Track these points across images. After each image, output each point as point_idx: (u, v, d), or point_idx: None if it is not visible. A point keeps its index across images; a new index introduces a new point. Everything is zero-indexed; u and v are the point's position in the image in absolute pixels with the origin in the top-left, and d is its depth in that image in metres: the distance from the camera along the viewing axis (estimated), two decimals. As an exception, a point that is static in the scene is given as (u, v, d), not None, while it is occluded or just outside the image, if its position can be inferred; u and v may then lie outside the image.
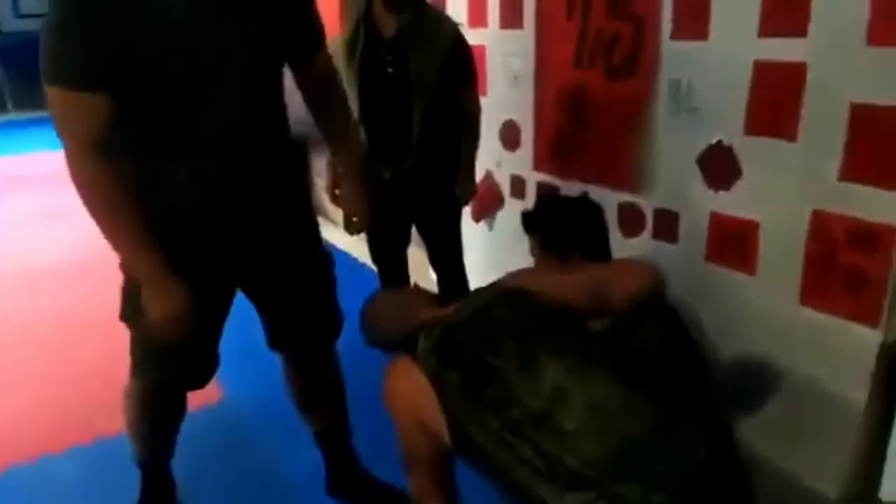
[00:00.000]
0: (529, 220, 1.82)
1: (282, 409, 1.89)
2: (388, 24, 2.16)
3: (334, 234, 3.97)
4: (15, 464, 2.12)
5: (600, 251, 1.80)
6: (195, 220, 1.41)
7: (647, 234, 2.14)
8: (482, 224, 2.87)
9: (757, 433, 1.88)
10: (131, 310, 1.45)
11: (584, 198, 1.92)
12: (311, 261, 1.65)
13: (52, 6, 1.21)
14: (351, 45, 2.21)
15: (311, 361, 1.76)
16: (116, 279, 1.50)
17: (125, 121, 1.29)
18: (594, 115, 2.23)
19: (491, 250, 2.85)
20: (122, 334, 1.56)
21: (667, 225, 2.07)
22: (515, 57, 2.48)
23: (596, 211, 1.85)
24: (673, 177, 2.04)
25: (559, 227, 1.75)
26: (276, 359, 1.79)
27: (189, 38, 1.26)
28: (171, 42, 1.25)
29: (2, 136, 8.75)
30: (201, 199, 1.39)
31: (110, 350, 1.80)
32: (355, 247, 3.57)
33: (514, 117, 2.57)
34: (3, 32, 10.79)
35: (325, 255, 1.69)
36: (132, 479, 1.80)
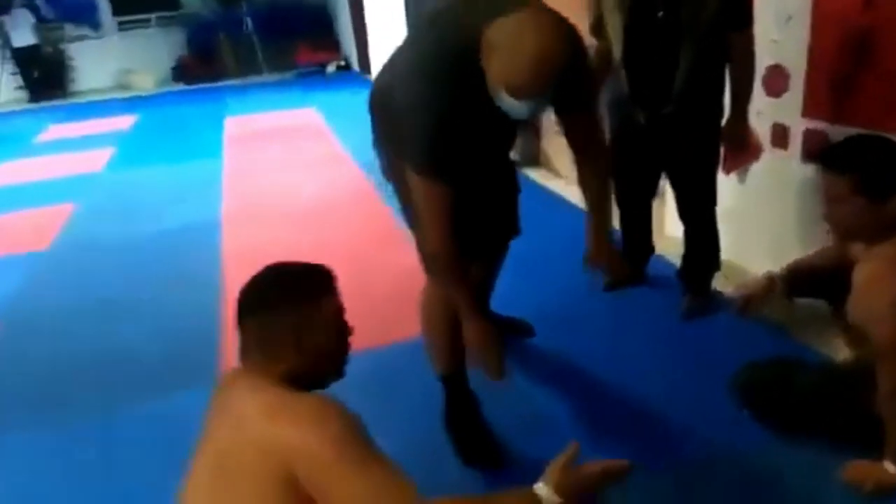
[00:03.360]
0: (842, 158, 1.63)
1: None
2: (660, -37, 2.13)
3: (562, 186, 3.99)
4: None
5: None
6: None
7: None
8: (732, 176, 2.76)
9: None
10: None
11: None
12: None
13: (419, 112, 1.54)
14: (621, -12, 2.21)
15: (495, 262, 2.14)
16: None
17: None
18: (884, 56, 2.04)
19: (742, 205, 2.73)
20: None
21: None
22: (790, -5, 2.33)
23: None
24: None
25: (884, 165, 1.59)
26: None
27: (489, 145, 1.75)
28: (482, 145, 1.68)
29: (257, 95, 9.85)
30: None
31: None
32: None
33: (780, 61, 2.43)
34: (256, 1, 12.05)
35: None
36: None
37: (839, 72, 2.22)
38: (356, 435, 1.04)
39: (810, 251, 2.36)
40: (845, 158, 1.61)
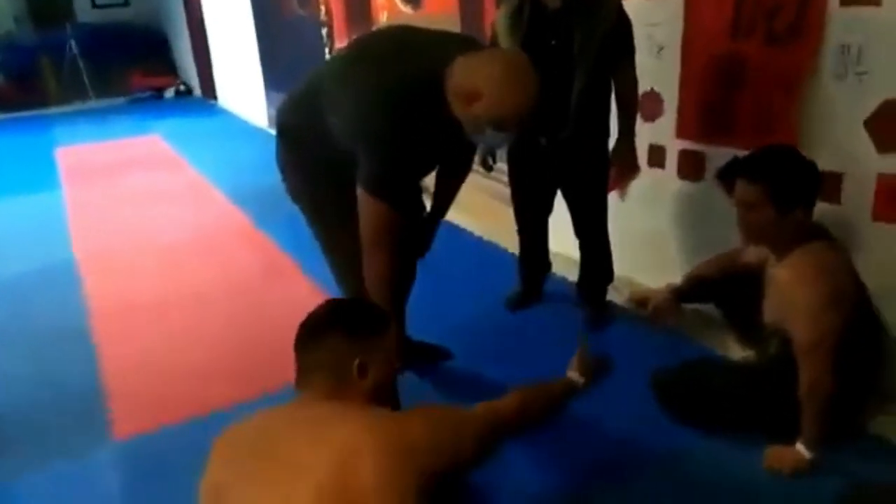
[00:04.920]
0: (756, 167, 1.77)
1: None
2: (552, 1, 2.26)
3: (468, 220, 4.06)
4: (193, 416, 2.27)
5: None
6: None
7: (806, 197, 2.21)
8: (614, 195, 2.95)
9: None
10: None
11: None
12: None
13: (383, 141, 1.62)
14: (515, 17, 2.32)
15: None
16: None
17: None
18: (750, 82, 2.29)
19: (624, 221, 2.93)
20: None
21: (829, 186, 2.12)
22: (660, 27, 2.56)
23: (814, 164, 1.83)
24: (837, 139, 2.09)
25: (792, 177, 1.75)
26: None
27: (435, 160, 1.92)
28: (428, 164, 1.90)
29: (89, 123, 9.11)
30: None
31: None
32: (489, 231, 3.74)
33: (654, 87, 2.65)
34: (80, 23, 11.18)
35: None
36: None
37: (709, 96, 2.47)
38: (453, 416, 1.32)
39: (688, 259, 2.60)
40: (759, 168, 1.77)
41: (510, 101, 1.59)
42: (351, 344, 1.29)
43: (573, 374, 1.68)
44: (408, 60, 1.66)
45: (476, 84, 1.57)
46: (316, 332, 1.32)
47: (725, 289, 2.16)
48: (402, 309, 2.01)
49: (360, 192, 1.67)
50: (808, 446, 1.73)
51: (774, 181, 1.74)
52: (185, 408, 2.32)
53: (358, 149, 1.65)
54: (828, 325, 1.65)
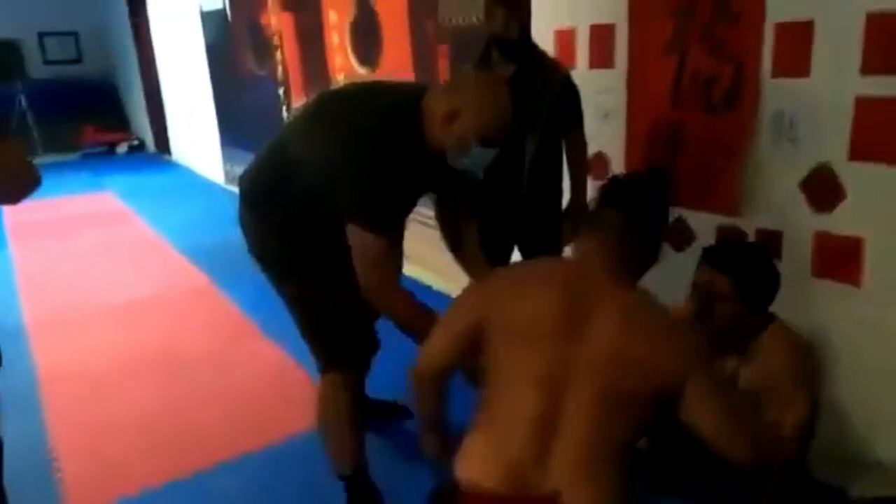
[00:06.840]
0: (731, 262, 1.78)
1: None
2: (505, 70, 2.37)
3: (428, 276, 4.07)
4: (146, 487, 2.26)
5: None
6: None
7: (748, 254, 2.31)
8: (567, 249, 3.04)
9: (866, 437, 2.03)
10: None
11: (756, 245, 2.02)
12: None
13: (371, 176, 1.60)
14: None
15: None
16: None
17: None
18: (691, 146, 2.42)
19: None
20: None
21: (770, 243, 2.24)
22: (607, 94, 2.69)
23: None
24: (775, 199, 2.22)
25: (762, 278, 1.79)
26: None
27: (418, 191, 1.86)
28: (413, 196, 1.84)
29: (39, 179, 8.92)
30: None
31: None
32: (448, 285, 3.77)
33: (602, 149, 2.77)
34: (31, 79, 11.06)
35: None
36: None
37: (653, 158, 2.59)
38: None
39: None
40: (734, 263, 1.77)
41: (491, 110, 1.62)
42: None
43: None
44: (379, 99, 1.71)
45: (454, 102, 1.60)
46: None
47: None
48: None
49: (351, 230, 1.64)
50: None
51: (747, 280, 1.75)
52: (141, 479, 2.27)
53: (338, 187, 1.63)
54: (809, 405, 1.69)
